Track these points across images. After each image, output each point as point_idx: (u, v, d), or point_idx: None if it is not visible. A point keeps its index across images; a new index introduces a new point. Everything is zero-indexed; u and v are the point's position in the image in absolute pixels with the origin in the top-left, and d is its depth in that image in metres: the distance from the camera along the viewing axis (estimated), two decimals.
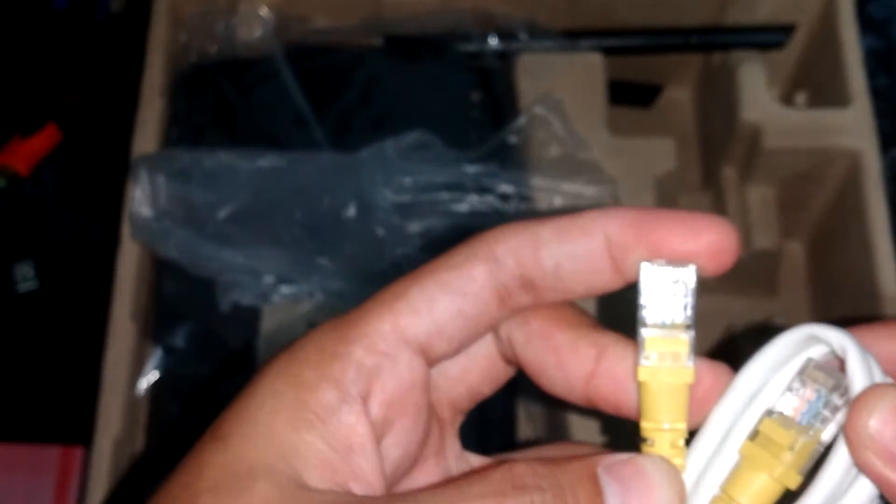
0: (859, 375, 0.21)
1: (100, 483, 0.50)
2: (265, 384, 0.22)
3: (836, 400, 0.21)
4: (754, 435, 0.22)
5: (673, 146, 0.61)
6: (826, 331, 0.22)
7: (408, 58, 0.62)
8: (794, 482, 0.22)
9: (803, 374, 0.22)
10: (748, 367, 0.23)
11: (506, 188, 0.56)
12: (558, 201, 0.57)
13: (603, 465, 0.22)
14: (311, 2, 0.63)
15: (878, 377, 0.21)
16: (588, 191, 0.57)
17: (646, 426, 0.23)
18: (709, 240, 0.22)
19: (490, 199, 0.56)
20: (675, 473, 0.22)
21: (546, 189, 0.57)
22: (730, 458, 0.23)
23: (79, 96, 0.70)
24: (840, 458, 0.21)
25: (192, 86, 0.61)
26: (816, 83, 0.65)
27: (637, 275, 0.22)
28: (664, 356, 0.22)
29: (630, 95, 0.69)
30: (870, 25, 0.71)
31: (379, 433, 0.22)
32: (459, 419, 0.26)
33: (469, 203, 0.56)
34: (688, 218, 0.22)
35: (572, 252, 0.23)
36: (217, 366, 0.55)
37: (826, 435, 0.22)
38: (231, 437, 0.22)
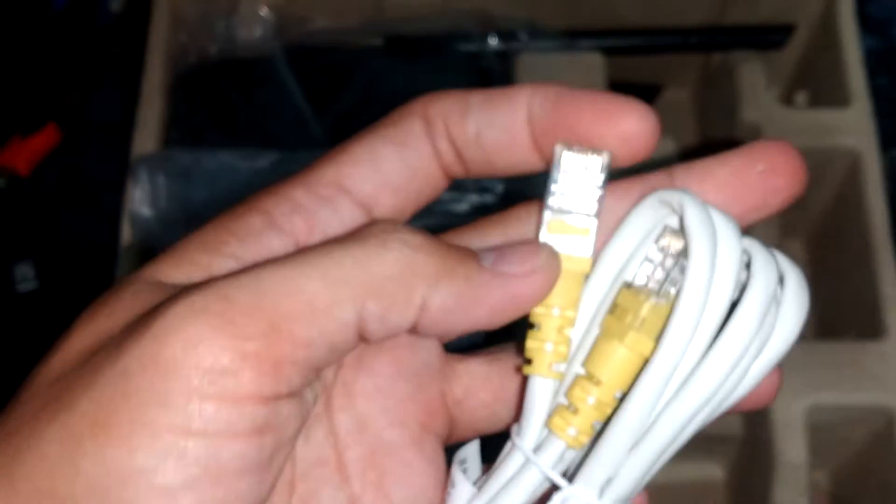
0: (696, 234, 0.20)
1: None
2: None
3: (685, 261, 0.20)
4: (613, 308, 0.22)
5: (672, 146, 0.61)
6: (667, 193, 0.21)
7: (408, 58, 0.62)
8: (646, 347, 0.21)
9: (659, 241, 0.21)
10: (610, 243, 0.22)
11: (505, 188, 0.56)
12: None
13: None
14: (311, 2, 0.63)
15: (722, 230, 0.20)
16: None
17: (535, 310, 0.22)
18: (622, 126, 0.21)
19: (490, 199, 0.56)
20: (554, 251, 0.22)
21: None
22: (594, 334, 0.22)
23: (79, 96, 0.70)
24: (677, 324, 0.20)
25: (193, 86, 0.61)
26: (816, 83, 0.65)
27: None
28: (565, 242, 0.22)
29: (630, 95, 0.69)
30: (869, 25, 0.71)
31: None
32: None
33: (469, 203, 0.56)
34: (606, 101, 0.22)
35: (493, 121, 0.22)
36: None
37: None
38: (158, 260, 0.22)
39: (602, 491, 0.22)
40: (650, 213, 0.22)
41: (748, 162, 0.22)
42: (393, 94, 0.61)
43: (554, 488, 0.22)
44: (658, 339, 0.21)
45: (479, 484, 0.23)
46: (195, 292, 0.19)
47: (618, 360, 0.21)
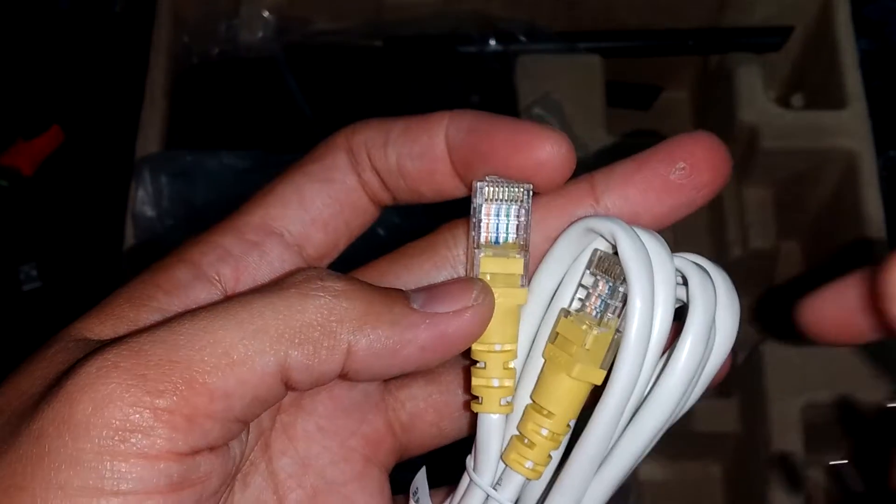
0: (632, 262, 0.20)
1: None
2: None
3: (621, 287, 0.20)
4: (554, 337, 0.21)
5: None
6: (596, 221, 0.21)
7: (408, 59, 0.62)
8: (597, 377, 0.21)
9: (591, 267, 0.21)
10: (539, 269, 0.22)
11: None
12: None
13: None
14: (312, 4, 0.64)
15: (657, 255, 0.20)
16: None
17: (477, 348, 0.22)
18: (536, 155, 0.21)
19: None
20: (487, 288, 0.21)
21: None
22: (538, 365, 0.22)
23: (81, 97, 0.70)
24: (627, 354, 0.20)
25: (195, 87, 0.62)
26: (813, 85, 0.65)
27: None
28: (497, 277, 0.21)
29: (628, 97, 0.69)
30: (866, 28, 0.71)
31: None
32: None
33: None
34: (520, 130, 0.21)
35: (412, 151, 0.22)
36: None
37: (621, 322, 0.21)
38: (85, 316, 0.21)
39: None
40: (578, 240, 0.22)
41: (667, 162, 0.21)
42: (393, 95, 0.62)
43: None
44: (603, 365, 0.21)
45: None
46: (108, 348, 0.19)
47: (567, 391, 0.21)
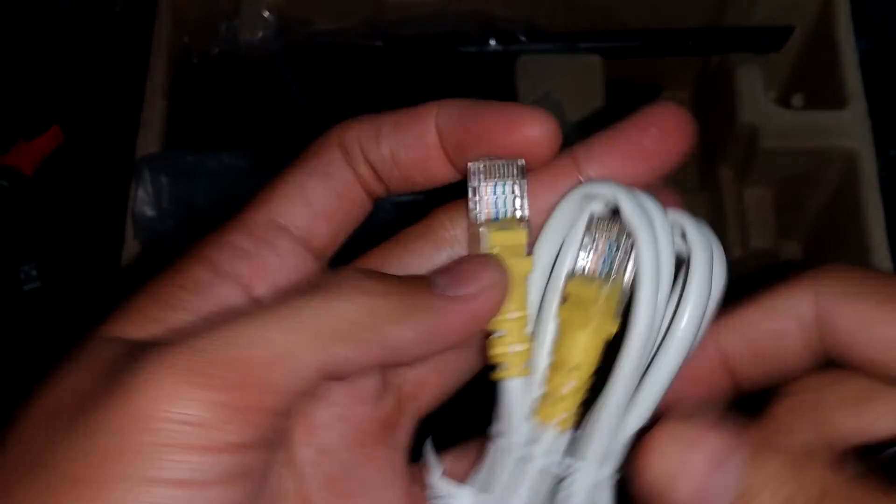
0: (634, 216, 0.22)
1: None
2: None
3: (626, 241, 0.22)
4: (565, 299, 0.23)
5: None
6: (596, 186, 0.23)
7: (409, 60, 0.62)
8: (612, 328, 0.23)
9: (590, 230, 0.23)
10: (540, 239, 0.23)
11: None
12: None
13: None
14: (312, 4, 0.64)
15: (652, 211, 0.22)
16: None
17: (495, 319, 0.23)
18: (525, 132, 0.23)
19: None
20: (500, 262, 0.23)
21: None
22: (551, 327, 0.24)
23: (82, 98, 0.70)
24: (644, 291, 0.22)
25: (195, 86, 0.62)
26: (813, 85, 0.65)
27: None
28: (504, 250, 0.23)
29: (628, 97, 0.69)
30: (866, 27, 0.72)
31: None
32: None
33: None
34: (509, 111, 0.23)
35: (405, 141, 0.23)
36: None
37: (627, 276, 0.23)
38: (114, 318, 0.22)
39: (602, 462, 0.23)
40: (577, 207, 0.23)
41: (643, 129, 0.24)
42: (393, 96, 0.62)
43: (556, 475, 0.23)
44: (615, 316, 0.23)
45: (474, 487, 0.24)
46: (164, 348, 0.20)
47: (587, 344, 0.23)
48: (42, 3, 0.72)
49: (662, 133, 0.23)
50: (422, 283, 0.22)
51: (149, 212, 0.56)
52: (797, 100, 0.65)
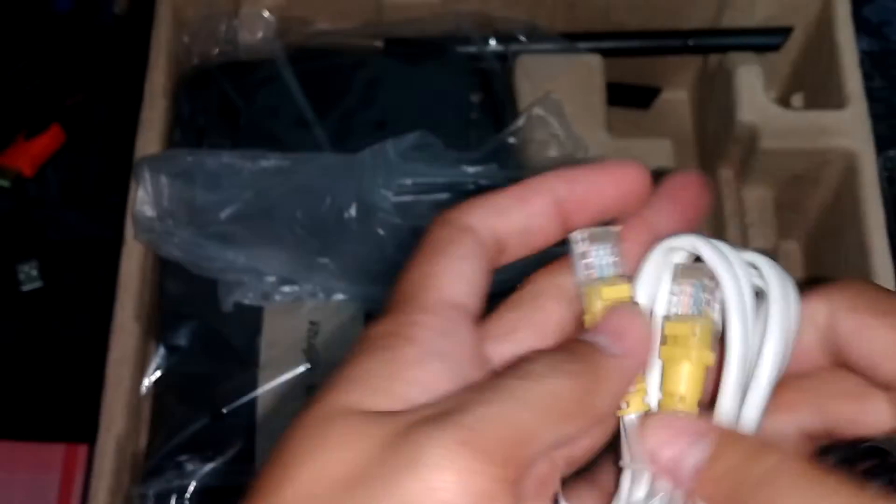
0: (716, 260, 0.25)
1: (103, 480, 0.51)
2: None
3: (709, 283, 0.26)
4: (664, 340, 0.26)
5: (670, 147, 0.62)
6: (678, 240, 0.26)
7: (408, 60, 0.62)
8: (710, 359, 0.26)
9: (676, 278, 0.26)
10: (637, 290, 0.27)
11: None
12: None
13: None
14: (312, 4, 0.64)
15: (729, 254, 0.26)
16: None
17: None
18: (622, 189, 0.26)
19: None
20: (637, 308, 0.26)
21: None
22: (657, 364, 0.26)
23: (82, 97, 0.70)
24: (735, 321, 0.25)
25: (195, 87, 0.62)
26: (813, 85, 0.65)
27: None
28: (615, 303, 0.26)
29: (628, 97, 0.69)
30: (866, 28, 0.72)
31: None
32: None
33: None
34: (602, 171, 0.27)
35: (532, 212, 0.26)
36: (219, 364, 0.56)
37: (715, 313, 0.26)
38: (340, 390, 0.24)
39: None
40: (663, 259, 0.27)
41: (677, 195, 0.28)
42: (394, 96, 0.62)
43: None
44: (712, 349, 0.26)
45: None
46: (446, 426, 0.22)
47: (691, 375, 0.26)
48: (42, 3, 0.72)
49: (694, 197, 0.28)
50: (594, 349, 0.24)
51: (149, 211, 0.56)
52: (797, 100, 0.65)
